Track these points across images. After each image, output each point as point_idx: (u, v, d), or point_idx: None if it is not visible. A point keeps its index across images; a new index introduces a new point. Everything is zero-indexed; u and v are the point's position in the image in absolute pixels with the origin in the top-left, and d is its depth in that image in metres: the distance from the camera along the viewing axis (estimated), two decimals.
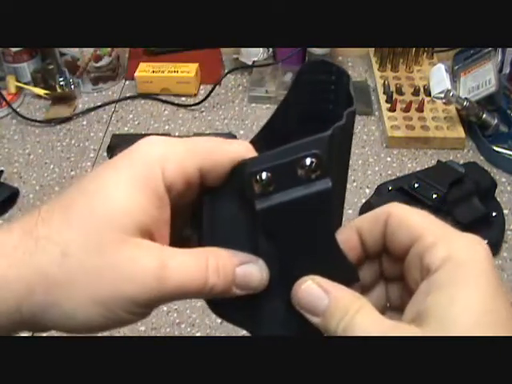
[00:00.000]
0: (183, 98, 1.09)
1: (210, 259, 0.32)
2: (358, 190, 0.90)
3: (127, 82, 1.14)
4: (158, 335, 0.70)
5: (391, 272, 0.36)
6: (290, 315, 0.35)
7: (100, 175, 0.31)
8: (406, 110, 1.01)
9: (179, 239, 0.34)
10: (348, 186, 0.98)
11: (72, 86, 1.09)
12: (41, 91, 1.08)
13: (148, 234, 0.31)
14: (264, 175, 0.31)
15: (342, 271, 0.34)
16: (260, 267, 0.33)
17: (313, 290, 0.33)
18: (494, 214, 0.83)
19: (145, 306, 0.31)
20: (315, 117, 0.38)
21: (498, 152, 0.94)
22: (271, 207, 0.32)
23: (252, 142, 0.35)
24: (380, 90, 1.06)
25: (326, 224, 0.34)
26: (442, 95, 0.99)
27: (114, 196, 0.30)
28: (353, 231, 0.36)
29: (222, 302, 0.35)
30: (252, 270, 0.33)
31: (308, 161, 0.31)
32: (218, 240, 0.34)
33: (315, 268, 0.33)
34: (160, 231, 0.32)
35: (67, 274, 0.29)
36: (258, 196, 0.32)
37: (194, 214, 0.35)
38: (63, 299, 0.29)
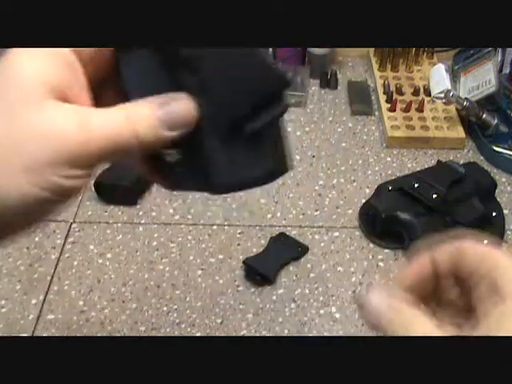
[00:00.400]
0: None
1: (131, 108, 0.32)
2: (357, 189, 0.90)
3: None
4: (158, 335, 0.71)
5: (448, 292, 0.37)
6: (228, 158, 0.34)
7: (13, 59, 0.32)
8: (406, 110, 1.01)
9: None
10: (348, 185, 0.99)
11: None
12: None
13: (65, 98, 0.31)
14: None
15: (269, 80, 0.34)
16: (183, 101, 0.33)
17: (374, 303, 0.34)
18: (493, 213, 0.83)
19: (75, 166, 0.31)
20: None
21: (498, 152, 0.94)
22: None
23: None
24: (380, 90, 1.06)
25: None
26: (442, 95, 0.98)
27: (27, 67, 0.31)
28: (427, 260, 0.37)
29: (168, 165, 0.35)
30: (175, 106, 0.33)
31: None
32: (139, 94, 0.33)
33: (246, 90, 0.33)
34: (78, 96, 0.32)
35: None
36: None
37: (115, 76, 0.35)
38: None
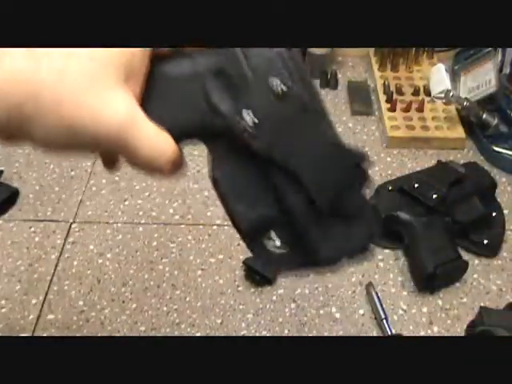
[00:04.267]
0: None
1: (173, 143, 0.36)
2: None
3: None
4: (158, 335, 0.71)
5: None
6: (329, 237, 0.39)
7: None
8: (406, 110, 1.01)
9: None
10: None
11: None
12: None
13: (128, 81, 0.34)
14: (247, 118, 0.36)
15: (346, 158, 0.37)
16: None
17: None
18: (494, 213, 0.83)
19: (99, 145, 0.34)
20: None
21: (498, 152, 0.94)
22: (264, 137, 0.36)
23: None
24: (380, 89, 1.06)
25: (314, 125, 0.37)
26: (442, 95, 0.98)
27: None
28: None
29: None
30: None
31: (276, 84, 0.35)
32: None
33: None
34: (139, 82, 0.35)
35: (57, 96, 0.32)
36: (251, 139, 0.36)
37: None
38: (46, 117, 0.33)
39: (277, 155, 0.36)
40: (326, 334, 0.71)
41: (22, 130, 0.33)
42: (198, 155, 0.95)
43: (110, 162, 0.42)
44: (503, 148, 0.94)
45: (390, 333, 0.68)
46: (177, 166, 0.37)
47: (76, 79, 0.33)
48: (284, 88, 0.36)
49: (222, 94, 0.36)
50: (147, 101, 0.36)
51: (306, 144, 0.37)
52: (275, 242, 0.40)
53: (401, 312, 0.73)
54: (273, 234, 0.39)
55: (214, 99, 0.36)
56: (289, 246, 0.39)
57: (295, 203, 0.38)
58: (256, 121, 0.35)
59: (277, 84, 0.36)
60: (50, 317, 0.73)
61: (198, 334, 0.71)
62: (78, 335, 0.69)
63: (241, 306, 0.74)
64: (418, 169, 0.90)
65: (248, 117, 0.35)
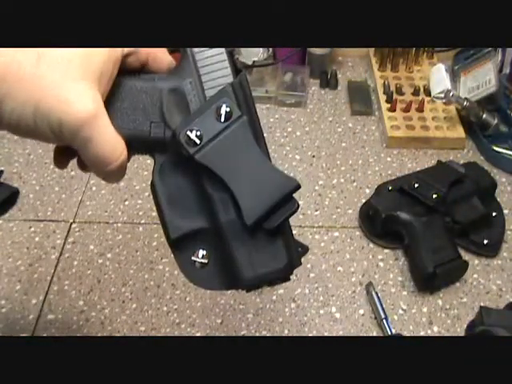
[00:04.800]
0: None
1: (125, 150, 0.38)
2: (357, 189, 0.90)
3: None
4: (158, 335, 0.70)
5: None
6: (251, 256, 0.40)
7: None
8: (406, 110, 1.01)
9: None
10: (348, 185, 0.99)
11: None
12: None
13: (98, 83, 0.36)
14: (193, 134, 0.38)
15: (280, 183, 0.39)
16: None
17: None
18: (494, 214, 0.83)
19: (60, 132, 0.35)
20: None
21: (498, 152, 0.94)
22: (208, 152, 0.38)
23: None
24: (380, 89, 1.06)
25: (255, 149, 0.40)
26: (442, 95, 0.99)
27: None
28: None
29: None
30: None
31: (223, 108, 0.39)
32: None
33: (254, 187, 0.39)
34: (105, 88, 0.37)
35: (31, 79, 0.34)
36: (195, 152, 0.38)
37: None
38: (18, 94, 0.34)
39: (217, 168, 0.38)
40: (326, 334, 0.71)
41: None
42: None
43: (64, 158, 0.44)
44: (503, 148, 0.95)
45: (390, 333, 0.68)
46: (121, 172, 0.39)
47: (52, 66, 0.34)
48: (229, 113, 0.39)
49: (174, 109, 0.39)
50: (107, 105, 0.37)
51: (244, 163, 0.39)
52: (200, 257, 0.41)
53: (401, 312, 0.73)
54: (200, 249, 0.41)
55: (166, 113, 0.39)
56: (214, 262, 0.41)
57: (225, 219, 0.39)
58: (201, 136, 0.38)
59: (224, 109, 0.39)
60: (50, 317, 0.73)
61: (198, 334, 0.71)
62: (78, 335, 0.69)
63: (241, 306, 0.74)
64: (418, 169, 0.90)
65: (194, 132, 0.38)
